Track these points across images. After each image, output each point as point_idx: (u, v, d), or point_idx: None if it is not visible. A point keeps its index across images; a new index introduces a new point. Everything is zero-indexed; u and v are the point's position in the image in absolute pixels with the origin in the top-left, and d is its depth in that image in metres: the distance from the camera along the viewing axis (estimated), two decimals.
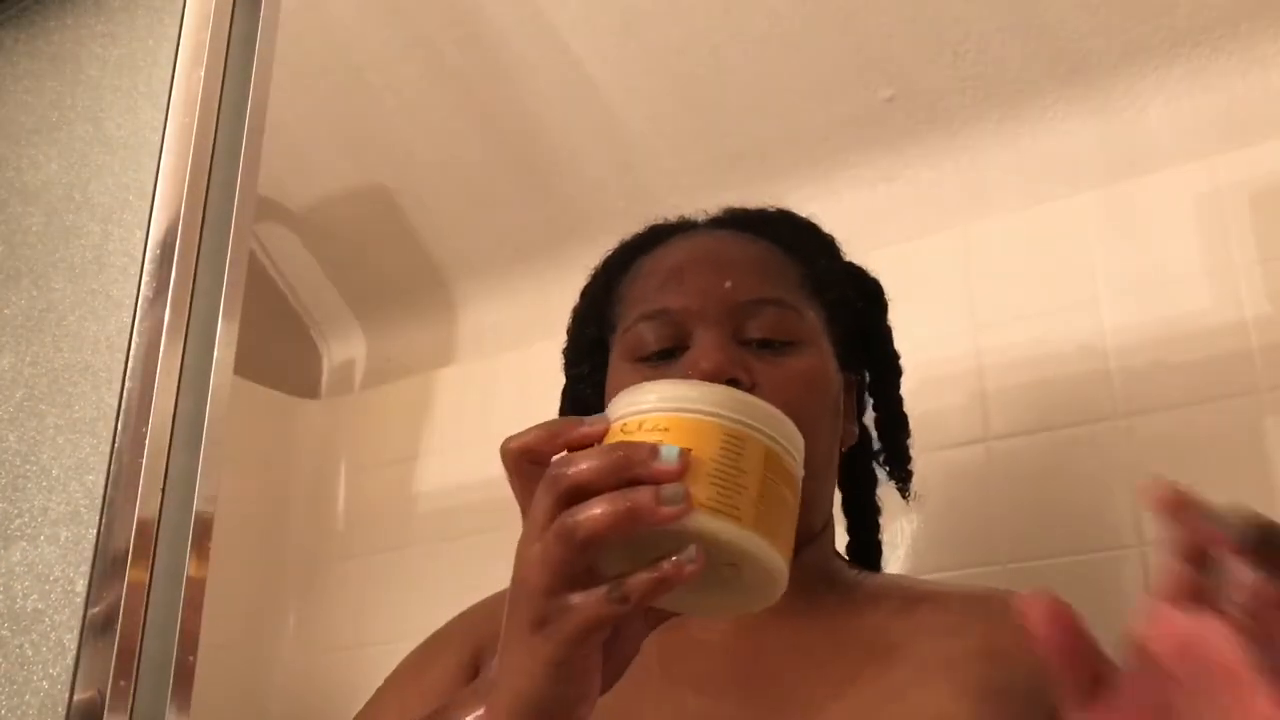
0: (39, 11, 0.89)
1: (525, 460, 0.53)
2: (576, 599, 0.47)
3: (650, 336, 0.77)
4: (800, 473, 0.53)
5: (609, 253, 0.89)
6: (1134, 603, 1.07)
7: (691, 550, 0.46)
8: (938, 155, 1.24)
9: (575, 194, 1.43)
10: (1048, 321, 1.11)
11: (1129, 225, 1.10)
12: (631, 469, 0.47)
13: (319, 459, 1.59)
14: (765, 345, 0.76)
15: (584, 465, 0.48)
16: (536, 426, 0.52)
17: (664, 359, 0.77)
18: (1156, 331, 1.05)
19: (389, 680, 0.82)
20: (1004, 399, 1.11)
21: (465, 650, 0.79)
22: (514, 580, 0.50)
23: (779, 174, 1.32)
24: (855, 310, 0.85)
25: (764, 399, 0.72)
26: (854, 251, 1.24)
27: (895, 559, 1.08)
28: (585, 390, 0.85)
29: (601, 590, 0.47)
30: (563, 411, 0.88)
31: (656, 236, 0.87)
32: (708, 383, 0.52)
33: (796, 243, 0.84)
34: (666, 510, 0.46)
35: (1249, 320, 1.01)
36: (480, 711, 0.54)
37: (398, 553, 1.45)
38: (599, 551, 0.48)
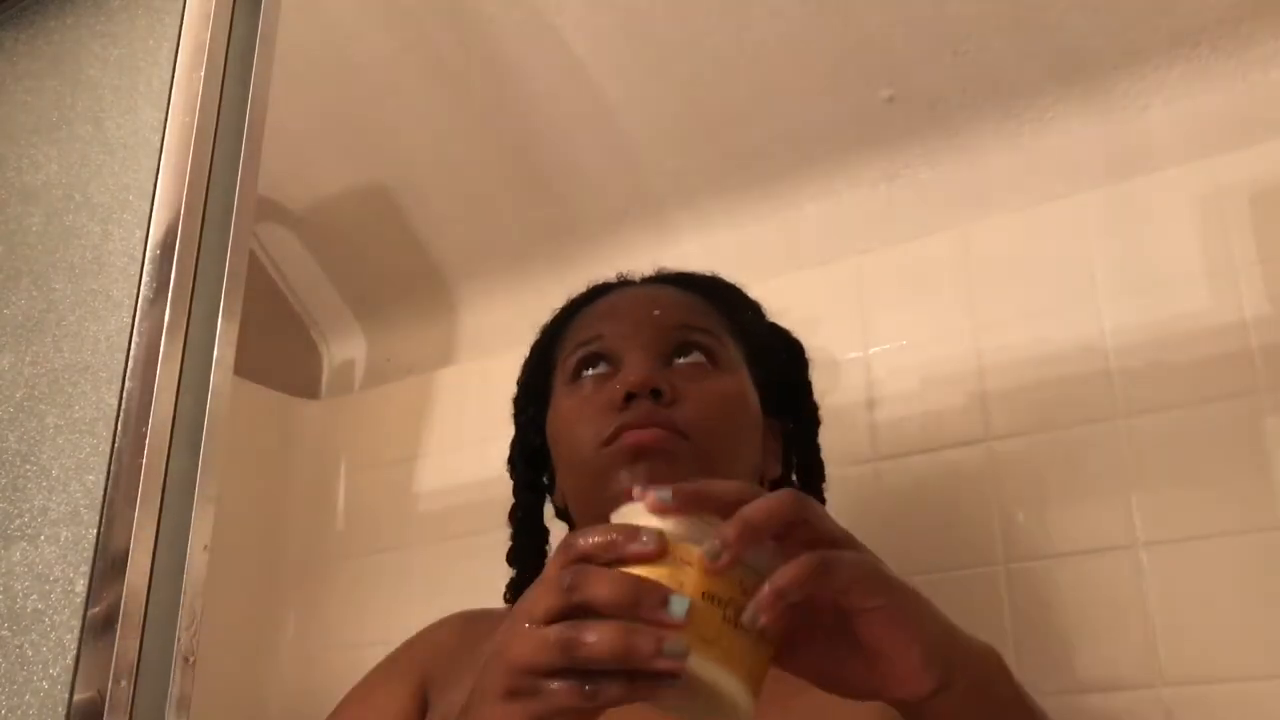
0: (39, 11, 0.89)
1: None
2: (554, 685, 0.49)
3: (583, 359, 0.85)
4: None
5: (554, 312, 0.96)
6: (1135, 601, 1.07)
7: (677, 682, 0.48)
8: (938, 155, 1.24)
9: (575, 194, 1.43)
10: (1048, 321, 1.11)
11: (1129, 225, 1.10)
12: (638, 610, 0.48)
13: (319, 459, 1.59)
14: (691, 366, 0.83)
15: (599, 590, 0.49)
16: (602, 531, 0.52)
17: (598, 381, 0.83)
18: (1156, 331, 1.05)
19: (340, 704, 0.88)
20: (1004, 399, 1.11)
21: (411, 679, 0.85)
22: (498, 645, 0.52)
23: (779, 174, 1.32)
24: (778, 359, 0.92)
25: (685, 412, 0.79)
26: (854, 251, 1.25)
27: (896, 559, 1.08)
28: (531, 435, 0.92)
29: (578, 687, 0.48)
30: (511, 461, 0.96)
31: (597, 292, 0.95)
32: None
33: (723, 296, 0.92)
34: (662, 664, 0.47)
35: (1249, 320, 1.01)
36: None
37: (397, 553, 1.45)
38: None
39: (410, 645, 0.90)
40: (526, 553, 0.93)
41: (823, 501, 0.92)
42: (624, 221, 1.41)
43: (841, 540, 0.53)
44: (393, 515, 1.50)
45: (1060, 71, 1.15)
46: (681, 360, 0.83)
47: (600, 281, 0.97)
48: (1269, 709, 0.91)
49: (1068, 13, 1.11)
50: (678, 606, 0.48)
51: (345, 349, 1.70)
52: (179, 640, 0.63)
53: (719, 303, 0.90)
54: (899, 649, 0.53)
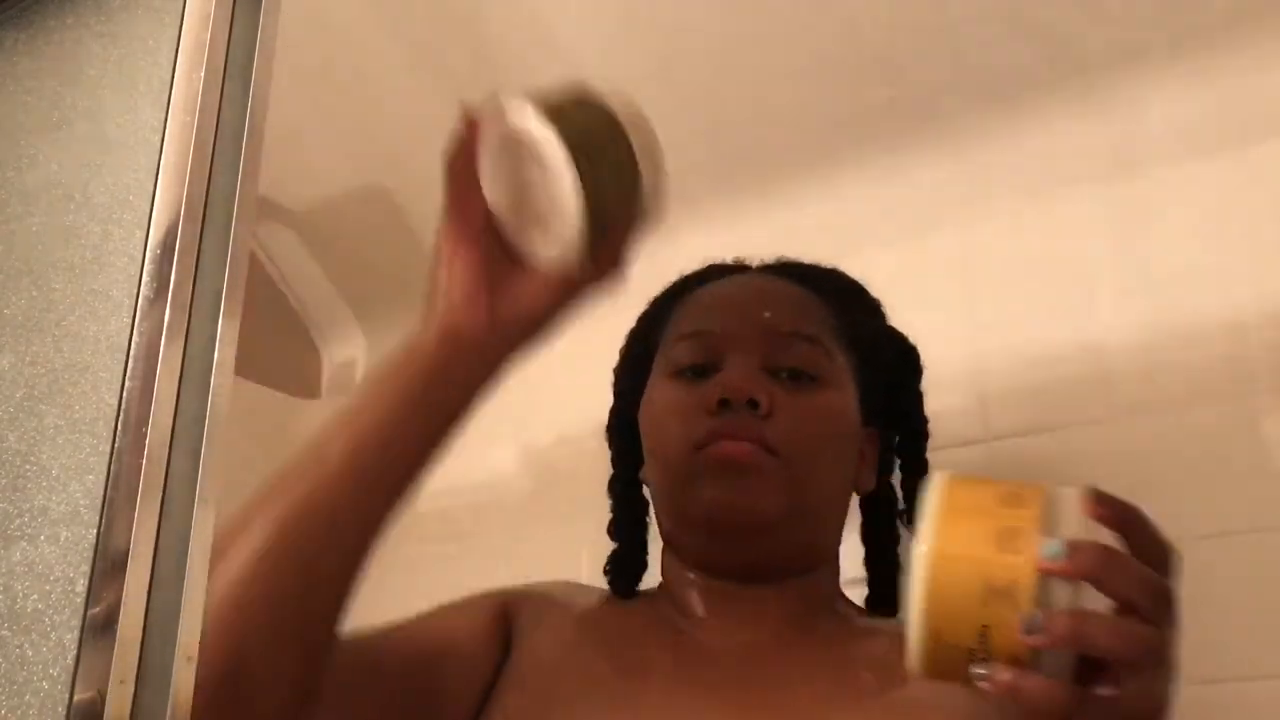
0: (39, 11, 0.89)
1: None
2: None
3: (685, 354, 0.83)
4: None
5: (668, 286, 0.93)
6: None
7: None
8: (938, 155, 1.24)
9: None
10: (1048, 321, 1.11)
11: (1129, 225, 1.10)
12: None
13: None
14: (793, 378, 0.80)
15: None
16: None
17: (697, 376, 0.81)
18: (1156, 331, 1.05)
19: (422, 615, 0.81)
20: (1004, 399, 1.11)
21: (499, 614, 0.81)
22: None
23: (779, 174, 1.32)
24: (886, 365, 0.89)
25: (778, 428, 0.77)
26: (854, 251, 1.25)
27: None
28: (628, 407, 0.90)
29: None
30: (610, 430, 0.93)
31: (711, 273, 0.92)
32: None
33: (839, 295, 0.89)
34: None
35: (1249, 320, 1.01)
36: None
37: (397, 552, 1.45)
38: None
39: (512, 590, 0.86)
40: (627, 525, 0.89)
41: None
42: None
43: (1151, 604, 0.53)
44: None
45: (1060, 71, 1.15)
46: (784, 369, 0.80)
47: (717, 261, 0.93)
48: (1269, 709, 0.91)
49: (1068, 13, 1.11)
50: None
51: (345, 349, 1.70)
52: (179, 640, 0.63)
53: (835, 304, 0.87)
54: None
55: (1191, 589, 0.97)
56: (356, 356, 1.69)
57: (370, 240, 1.59)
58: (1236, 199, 1.05)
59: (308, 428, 1.63)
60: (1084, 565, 0.49)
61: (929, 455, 0.91)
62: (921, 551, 0.48)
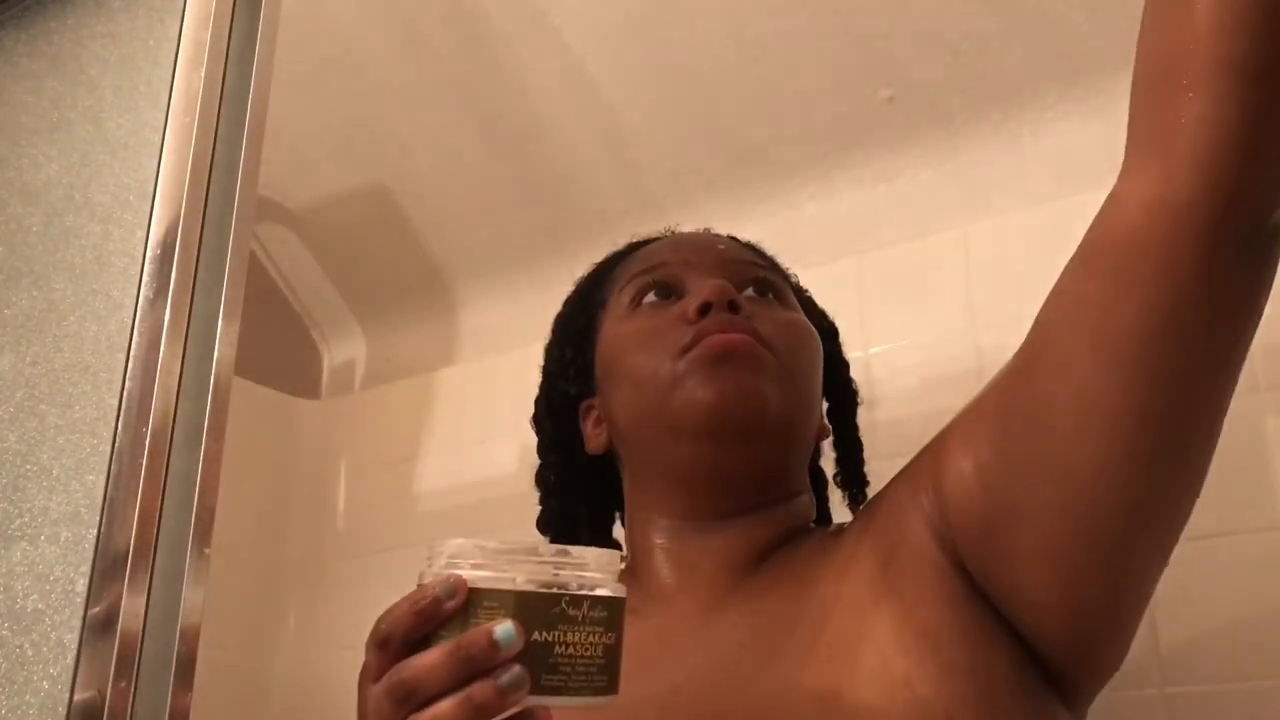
0: (39, 11, 0.89)
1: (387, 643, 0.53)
2: None
3: (643, 287, 0.79)
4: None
5: (592, 267, 0.90)
6: None
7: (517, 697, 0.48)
8: (938, 155, 1.24)
9: (575, 194, 1.43)
10: None
11: None
12: (475, 668, 0.48)
13: (319, 459, 1.59)
14: (759, 293, 0.79)
15: (430, 676, 0.49)
16: (399, 610, 0.53)
17: (663, 299, 0.78)
18: None
19: None
20: None
21: None
22: None
23: (779, 174, 1.32)
24: (819, 328, 0.86)
25: (763, 333, 0.73)
26: (853, 251, 1.25)
27: None
28: (562, 384, 0.86)
29: None
30: (538, 416, 0.89)
31: (643, 242, 0.89)
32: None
33: (773, 260, 0.88)
34: (511, 699, 0.47)
35: None
36: None
37: (398, 553, 1.45)
38: None
39: None
40: (557, 517, 0.86)
41: (864, 481, 0.88)
42: (624, 221, 1.41)
43: None
44: (393, 515, 1.50)
45: (1060, 71, 1.15)
46: (749, 286, 0.78)
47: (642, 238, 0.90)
48: (1269, 709, 0.91)
49: (1068, 13, 1.11)
50: (505, 637, 0.48)
51: (345, 349, 1.71)
52: (179, 640, 0.63)
53: (773, 262, 0.86)
54: None
55: (1191, 589, 0.97)
56: (356, 356, 1.69)
57: (370, 240, 1.59)
58: None
59: (308, 428, 1.63)
60: None
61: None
62: None
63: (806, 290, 0.91)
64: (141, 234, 0.73)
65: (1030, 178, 1.19)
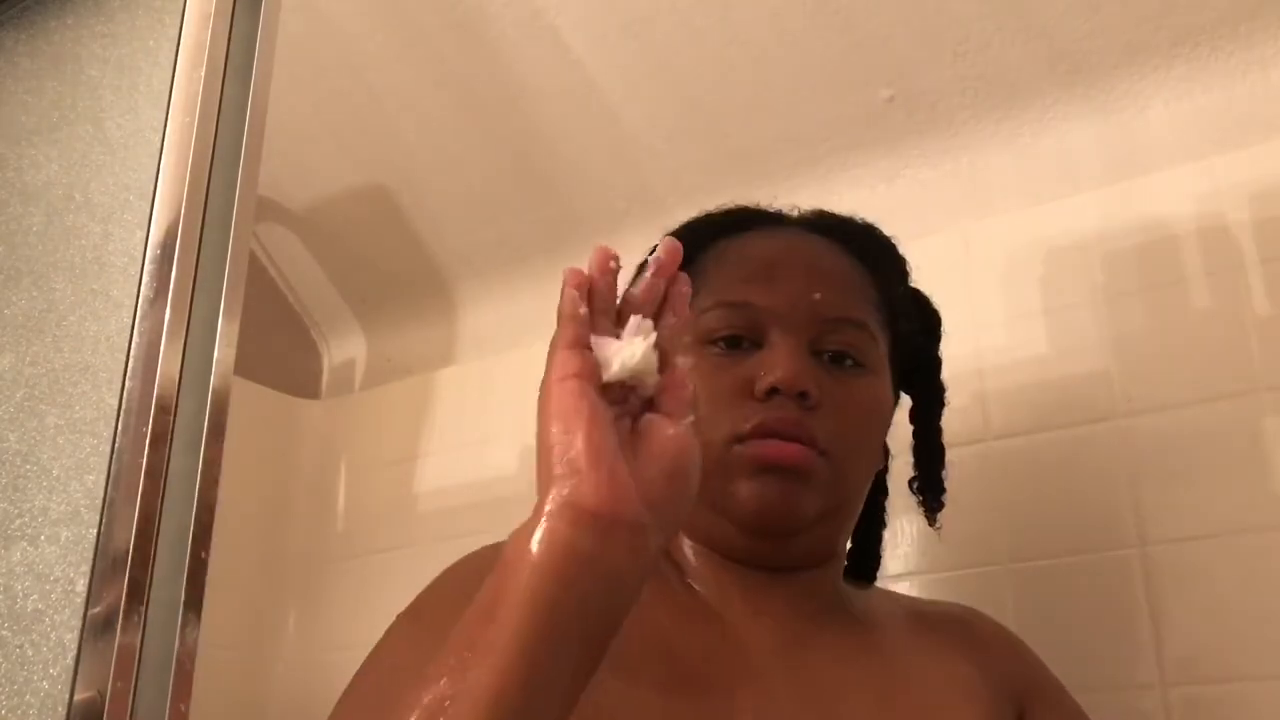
0: (39, 11, 0.89)
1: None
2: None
3: (722, 323, 0.77)
4: None
5: (693, 223, 0.86)
6: (1133, 603, 1.07)
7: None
8: (938, 155, 1.24)
9: (575, 194, 1.43)
10: (1048, 321, 1.11)
11: (1129, 225, 1.10)
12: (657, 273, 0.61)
13: (319, 459, 1.59)
14: (836, 361, 0.76)
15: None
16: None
17: (733, 348, 0.76)
18: (1156, 331, 1.05)
19: (363, 669, 0.70)
20: (1004, 399, 1.11)
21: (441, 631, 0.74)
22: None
23: (779, 174, 1.32)
24: (915, 333, 0.85)
25: (826, 423, 0.74)
26: None
27: (896, 558, 1.08)
28: None
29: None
30: None
31: (745, 222, 0.85)
32: None
33: (879, 263, 0.84)
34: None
35: (1249, 320, 1.01)
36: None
37: (398, 553, 1.45)
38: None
39: (436, 591, 0.76)
40: None
41: (942, 488, 0.87)
42: (624, 221, 1.41)
43: None
44: (393, 515, 1.50)
45: (1060, 71, 1.15)
46: (829, 352, 0.76)
47: (754, 207, 0.86)
48: (1269, 709, 0.91)
49: (1068, 13, 1.11)
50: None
51: (345, 349, 1.71)
52: (179, 640, 0.63)
53: (874, 272, 0.83)
54: None
55: (1192, 589, 0.97)
56: (356, 356, 1.69)
57: (370, 240, 1.59)
58: (1236, 199, 1.05)
59: (308, 428, 1.63)
60: None
61: None
62: None
63: (907, 279, 0.88)
64: (141, 234, 0.73)
65: (1030, 178, 1.19)
